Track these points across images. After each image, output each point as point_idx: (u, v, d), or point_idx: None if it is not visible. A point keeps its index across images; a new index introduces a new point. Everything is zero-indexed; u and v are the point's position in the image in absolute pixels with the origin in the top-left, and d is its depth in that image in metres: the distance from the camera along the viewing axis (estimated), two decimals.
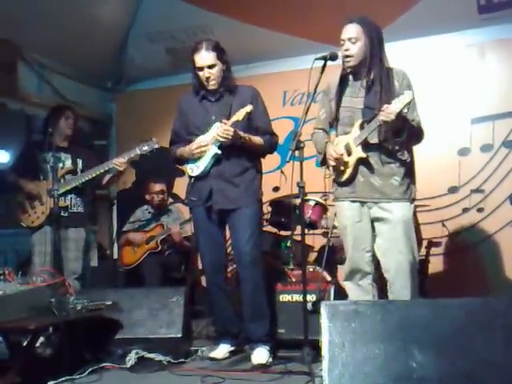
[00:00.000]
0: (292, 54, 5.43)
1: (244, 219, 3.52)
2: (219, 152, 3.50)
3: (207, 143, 3.51)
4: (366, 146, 3.17)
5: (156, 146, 4.23)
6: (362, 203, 3.25)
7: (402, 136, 3.10)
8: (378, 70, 3.17)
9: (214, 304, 3.75)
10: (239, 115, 3.43)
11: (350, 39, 3.16)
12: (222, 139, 3.42)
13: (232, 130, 3.38)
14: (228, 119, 3.48)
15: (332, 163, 3.28)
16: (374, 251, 3.27)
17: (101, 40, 5.55)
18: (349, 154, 3.21)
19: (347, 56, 3.18)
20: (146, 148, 4.22)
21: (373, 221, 3.26)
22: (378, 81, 3.16)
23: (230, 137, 3.39)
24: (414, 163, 3.30)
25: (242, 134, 3.45)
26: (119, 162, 4.24)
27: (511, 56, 4.93)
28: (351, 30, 3.17)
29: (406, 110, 3.02)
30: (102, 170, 4.33)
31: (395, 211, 3.17)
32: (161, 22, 5.55)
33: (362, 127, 3.17)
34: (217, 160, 3.53)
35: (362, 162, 3.20)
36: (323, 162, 3.43)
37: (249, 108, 3.43)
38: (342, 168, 3.26)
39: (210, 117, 3.58)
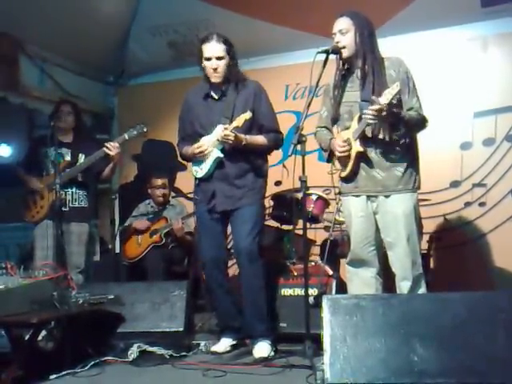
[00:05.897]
0: (294, 48, 5.40)
1: (245, 216, 3.54)
2: (221, 155, 3.52)
3: (209, 146, 3.52)
4: (364, 139, 3.18)
5: (144, 130, 4.30)
6: (368, 197, 3.26)
7: (400, 129, 3.12)
8: (371, 61, 3.19)
9: (214, 299, 3.76)
10: (239, 121, 3.43)
11: (340, 31, 3.22)
12: (223, 143, 3.47)
13: (233, 135, 3.39)
14: (231, 120, 3.49)
15: (339, 153, 3.27)
16: (378, 245, 3.28)
17: (102, 34, 5.52)
18: (349, 148, 3.22)
19: (340, 48, 3.22)
20: (134, 133, 4.29)
21: (375, 214, 3.26)
22: (371, 72, 3.18)
23: (231, 142, 3.42)
24: (418, 151, 3.30)
25: (243, 137, 3.46)
26: (110, 144, 4.23)
27: None
28: (341, 23, 3.24)
29: (394, 101, 3.04)
30: (97, 158, 4.31)
31: (397, 205, 3.18)
32: (162, 16, 5.54)
33: (359, 121, 3.18)
34: (219, 163, 3.55)
35: (362, 155, 3.21)
36: (329, 159, 3.45)
37: (248, 115, 3.42)
38: (347, 161, 3.27)
39: (213, 116, 3.58)
